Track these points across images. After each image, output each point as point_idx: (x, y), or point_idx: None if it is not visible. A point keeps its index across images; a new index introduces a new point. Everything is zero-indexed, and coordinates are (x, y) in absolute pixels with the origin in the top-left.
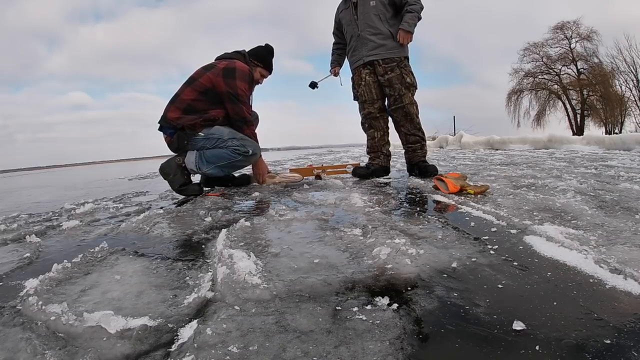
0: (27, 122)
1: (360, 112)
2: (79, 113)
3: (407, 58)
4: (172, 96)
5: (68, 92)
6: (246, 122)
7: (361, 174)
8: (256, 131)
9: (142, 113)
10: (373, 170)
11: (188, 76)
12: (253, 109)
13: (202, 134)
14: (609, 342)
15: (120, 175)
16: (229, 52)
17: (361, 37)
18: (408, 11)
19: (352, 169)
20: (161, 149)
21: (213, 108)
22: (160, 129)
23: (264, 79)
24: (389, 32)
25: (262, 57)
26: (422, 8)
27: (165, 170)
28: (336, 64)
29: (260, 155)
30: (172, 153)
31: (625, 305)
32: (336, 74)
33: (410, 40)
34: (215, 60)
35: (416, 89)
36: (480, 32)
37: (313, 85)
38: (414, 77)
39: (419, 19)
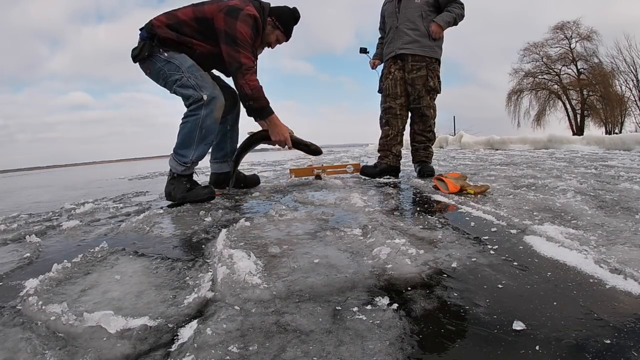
0: (28, 122)
1: (381, 105)
2: (80, 113)
3: (438, 61)
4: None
5: (69, 92)
6: (241, 69)
7: (369, 173)
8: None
9: (142, 113)
10: (381, 169)
11: None
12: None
13: (166, 55)
14: (609, 342)
15: (120, 175)
16: None
17: (399, 29)
18: (448, 10)
19: (352, 169)
20: (161, 149)
21: (198, 39)
22: (140, 30)
23: (277, 45)
24: (427, 30)
25: (285, 21)
26: (462, 15)
27: (167, 192)
28: (377, 57)
29: (273, 113)
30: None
31: (625, 305)
32: (374, 66)
33: (439, 35)
34: None
35: (438, 93)
36: (480, 32)
37: (364, 50)
38: (439, 81)
39: (455, 23)
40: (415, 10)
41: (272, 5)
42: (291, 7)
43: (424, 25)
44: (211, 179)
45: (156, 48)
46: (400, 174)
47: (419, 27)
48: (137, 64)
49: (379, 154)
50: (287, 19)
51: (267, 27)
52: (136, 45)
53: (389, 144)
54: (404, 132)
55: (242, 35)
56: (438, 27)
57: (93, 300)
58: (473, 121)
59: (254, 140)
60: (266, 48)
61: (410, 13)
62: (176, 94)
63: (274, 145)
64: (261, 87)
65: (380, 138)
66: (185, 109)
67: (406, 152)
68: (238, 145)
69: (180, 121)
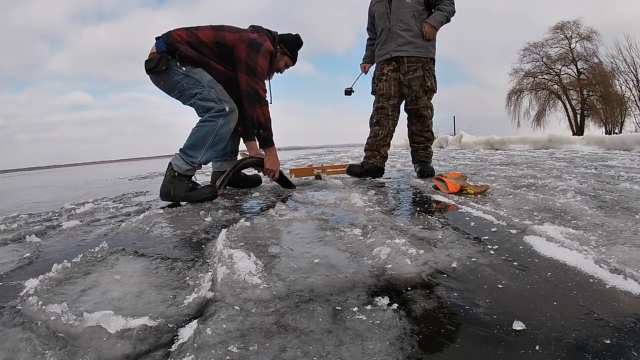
0: (28, 122)
1: (373, 105)
2: (80, 113)
3: (433, 60)
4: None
5: (69, 92)
6: (260, 100)
7: (355, 172)
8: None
9: (143, 113)
10: (367, 169)
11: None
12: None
13: (184, 69)
14: (609, 342)
15: (120, 175)
16: (263, 27)
17: (392, 31)
18: (439, 9)
19: None
20: (161, 148)
21: (216, 62)
22: (156, 39)
23: (285, 70)
24: (420, 31)
25: (291, 47)
26: (453, 11)
27: (164, 191)
28: (368, 60)
29: (274, 145)
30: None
31: (625, 305)
32: (366, 71)
33: (433, 37)
34: (250, 27)
35: (434, 93)
36: (480, 32)
37: (348, 92)
38: (435, 81)
39: (448, 20)
40: (408, 11)
41: (279, 33)
42: (294, 33)
43: (417, 26)
44: (213, 177)
45: (173, 62)
46: (400, 174)
47: (413, 28)
48: (149, 74)
49: (365, 153)
50: (293, 45)
51: (277, 54)
52: (149, 54)
53: (377, 145)
54: (394, 134)
55: (261, 68)
56: (432, 29)
57: (93, 300)
58: (473, 121)
59: (248, 164)
60: (276, 73)
61: (402, 14)
62: (193, 106)
63: (264, 173)
64: (271, 119)
65: (369, 137)
66: (197, 117)
67: (406, 152)
68: (231, 167)
69: (195, 125)
